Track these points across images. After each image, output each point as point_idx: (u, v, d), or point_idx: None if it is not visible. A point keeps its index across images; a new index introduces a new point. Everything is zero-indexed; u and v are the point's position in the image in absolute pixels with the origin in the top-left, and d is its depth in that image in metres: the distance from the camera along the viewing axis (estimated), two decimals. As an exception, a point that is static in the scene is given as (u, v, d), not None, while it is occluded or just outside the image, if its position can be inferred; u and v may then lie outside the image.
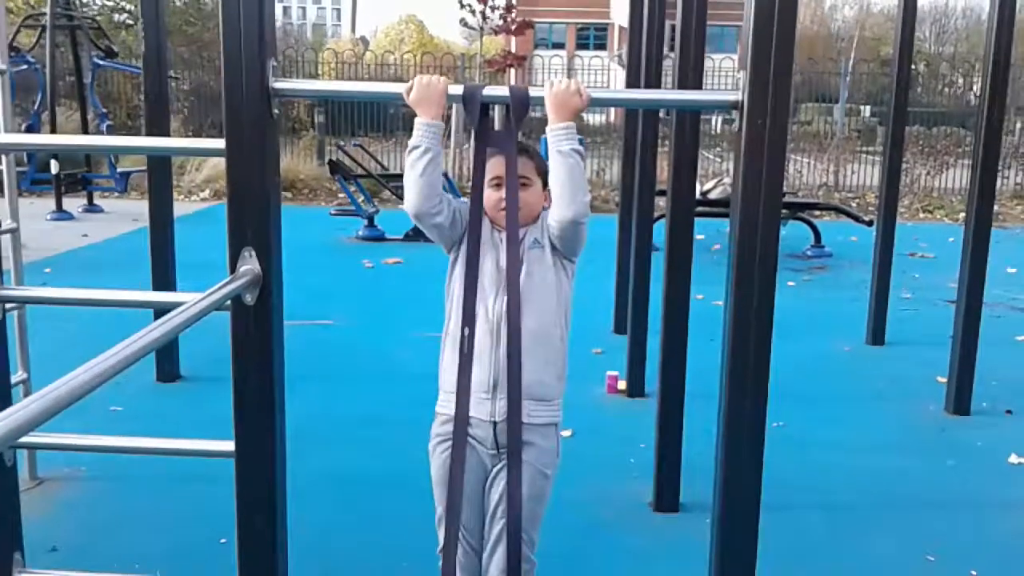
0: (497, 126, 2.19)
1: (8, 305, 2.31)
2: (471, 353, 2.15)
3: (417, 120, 2.11)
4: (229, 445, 2.13)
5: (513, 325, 2.12)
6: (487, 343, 2.17)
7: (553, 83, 2.09)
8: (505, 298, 2.14)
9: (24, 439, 2.33)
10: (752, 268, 1.99)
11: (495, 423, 2.20)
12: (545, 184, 2.25)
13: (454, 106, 1.93)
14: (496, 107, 2.16)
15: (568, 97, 2.08)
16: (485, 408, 2.20)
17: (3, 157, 3.39)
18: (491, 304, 2.18)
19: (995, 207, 14.15)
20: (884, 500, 3.64)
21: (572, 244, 2.22)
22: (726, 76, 17.07)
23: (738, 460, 2.16)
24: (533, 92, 2.08)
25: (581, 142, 2.16)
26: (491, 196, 2.20)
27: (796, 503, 3.60)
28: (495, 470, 2.24)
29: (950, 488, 3.79)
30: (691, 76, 3.12)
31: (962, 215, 6.88)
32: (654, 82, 4.59)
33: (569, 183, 2.10)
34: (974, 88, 21.88)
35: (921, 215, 13.27)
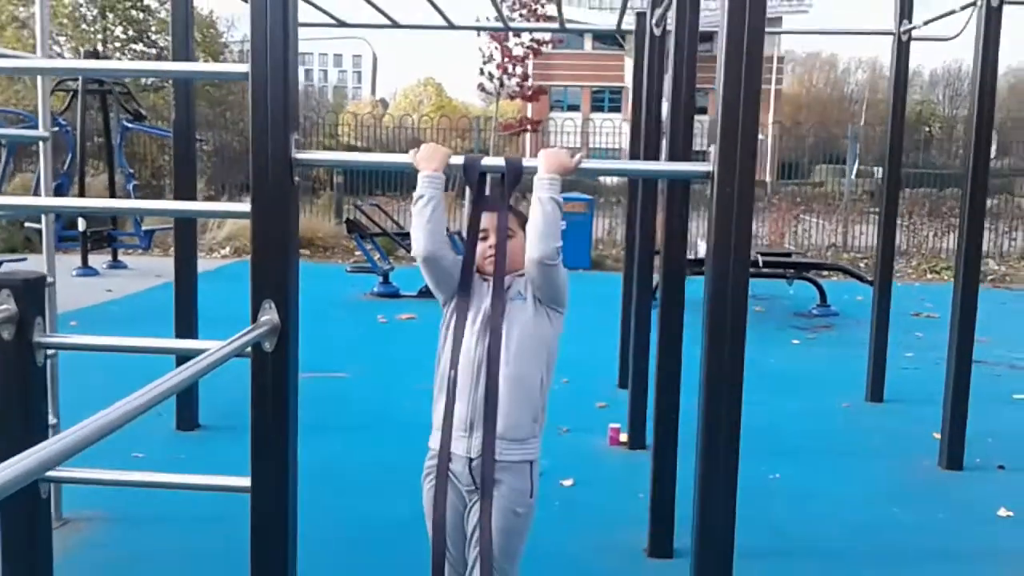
0: (490, 190, 2.42)
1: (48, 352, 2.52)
2: (454, 392, 2.35)
3: (420, 174, 2.35)
4: (245, 481, 2.32)
5: (492, 368, 2.32)
6: (467, 383, 2.37)
7: (543, 148, 2.34)
8: (486, 342, 2.34)
9: (57, 474, 2.55)
10: (724, 322, 2.19)
11: (470, 459, 2.38)
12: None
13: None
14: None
15: (560, 155, 2.33)
16: (463, 445, 2.38)
17: (44, 217, 3.65)
18: (473, 347, 2.38)
19: (1002, 268, 14.18)
20: (875, 550, 3.76)
21: (549, 291, 2.39)
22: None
23: (713, 503, 2.33)
24: (527, 162, 2.32)
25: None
26: (479, 247, 2.42)
27: (789, 550, 3.74)
28: (471, 504, 2.41)
29: (939, 539, 3.90)
30: (680, 146, 3.35)
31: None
32: (654, 146, 4.83)
33: (542, 226, 2.30)
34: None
35: (928, 276, 13.41)
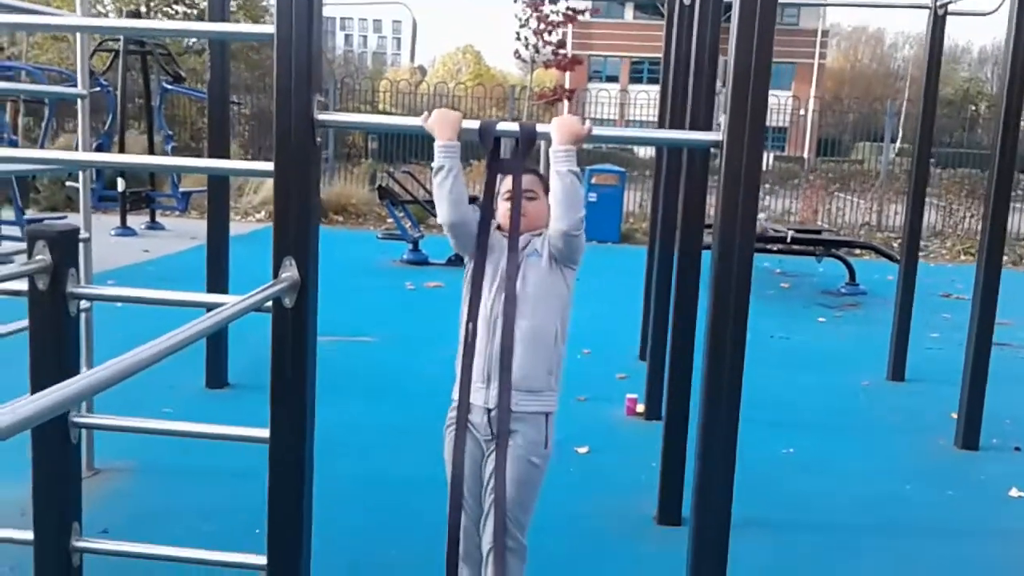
0: (507, 154, 2.49)
1: (82, 304, 2.63)
2: (473, 345, 2.44)
3: (436, 144, 2.43)
4: (264, 432, 2.42)
5: (507, 321, 2.40)
6: (484, 337, 2.46)
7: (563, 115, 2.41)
8: (502, 296, 2.42)
9: (88, 419, 2.67)
10: (728, 289, 2.24)
11: (488, 410, 2.47)
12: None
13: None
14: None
15: (572, 124, 2.38)
16: (481, 396, 2.48)
17: (81, 174, 3.77)
18: (490, 302, 2.47)
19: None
20: (882, 525, 3.81)
21: (569, 253, 2.49)
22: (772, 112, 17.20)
23: (712, 473, 2.39)
24: (540, 128, 2.38)
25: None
26: (502, 207, 2.52)
27: (796, 522, 3.79)
28: (488, 453, 2.51)
29: (947, 516, 3.94)
30: (702, 116, 3.38)
31: (1006, 258, 6.91)
32: (680, 117, 4.84)
33: (564, 200, 2.38)
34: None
35: (962, 257, 13.24)
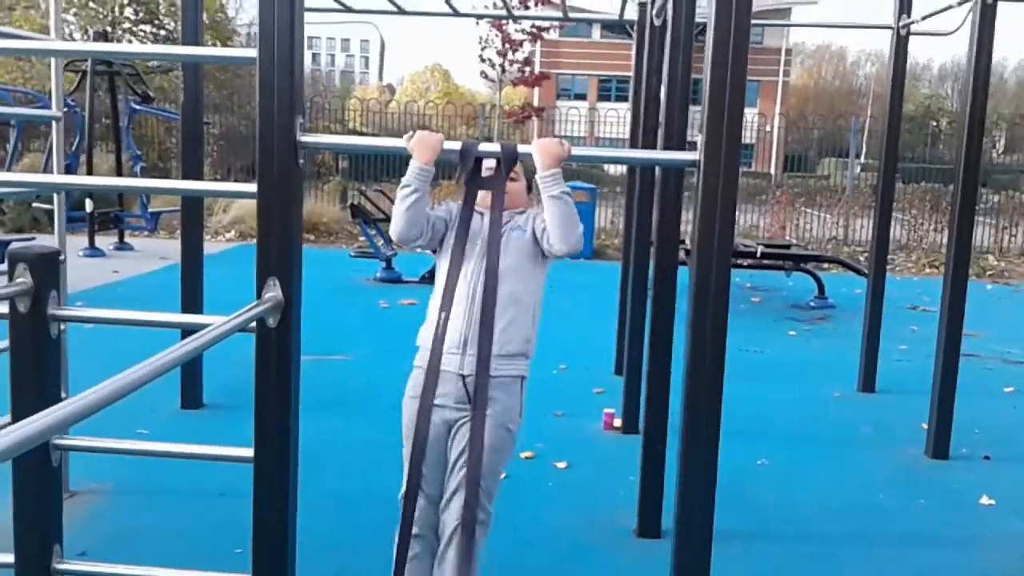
0: (486, 174, 2.54)
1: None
2: (444, 327, 2.50)
3: (412, 163, 2.48)
4: (249, 451, 2.43)
5: (489, 289, 2.46)
6: (463, 304, 2.51)
7: (540, 136, 2.47)
8: (483, 264, 2.49)
9: (69, 442, 2.66)
10: (706, 306, 2.29)
11: (463, 376, 2.50)
12: (529, 185, 2.68)
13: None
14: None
15: (552, 146, 2.44)
16: (455, 362, 2.52)
17: (56, 196, 3.75)
18: (471, 270, 2.53)
19: (1002, 264, 14.25)
20: (855, 534, 3.87)
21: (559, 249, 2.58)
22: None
23: (694, 486, 2.43)
24: (521, 148, 2.43)
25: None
26: (480, 194, 2.59)
27: (772, 533, 3.84)
28: (458, 423, 2.54)
29: (920, 525, 4.01)
30: (675, 135, 3.44)
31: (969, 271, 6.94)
32: (653, 136, 4.91)
33: (563, 222, 2.47)
34: (997, 146, 22.25)
35: (927, 270, 13.48)
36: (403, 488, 2.56)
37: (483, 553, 2.65)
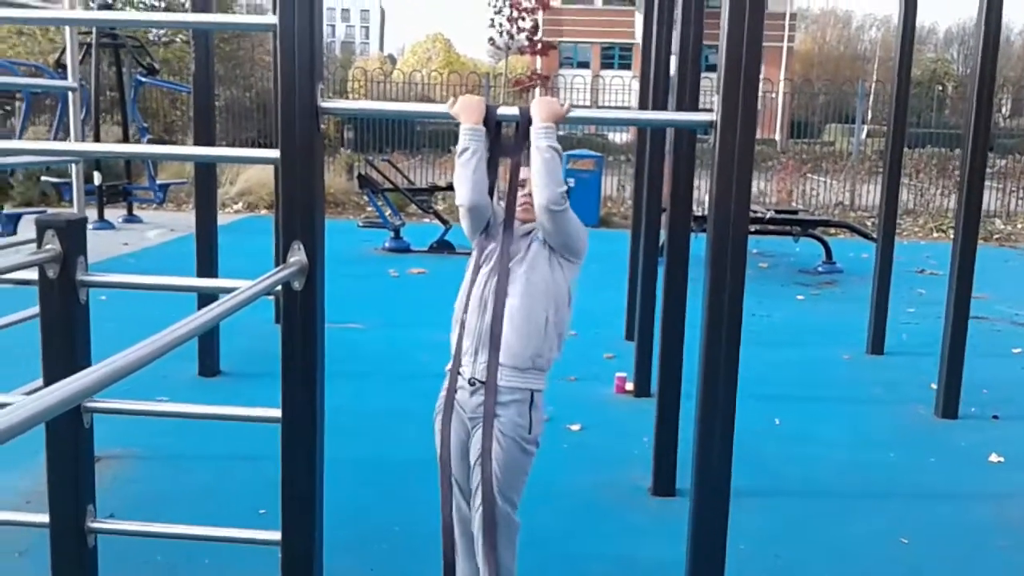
0: (507, 139, 2.58)
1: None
2: (464, 325, 2.55)
3: (462, 127, 2.50)
4: (277, 412, 2.49)
5: (499, 298, 2.49)
6: (476, 314, 2.55)
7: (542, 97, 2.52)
8: (496, 276, 2.51)
9: (101, 404, 2.72)
10: (724, 267, 2.33)
11: (473, 383, 2.54)
12: None
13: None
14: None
15: (552, 103, 2.49)
16: (468, 368, 2.56)
17: (73, 166, 3.79)
18: (484, 281, 2.56)
19: (1008, 227, 14.24)
20: (866, 490, 3.94)
21: (559, 238, 2.53)
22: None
23: (711, 445, 2.48)
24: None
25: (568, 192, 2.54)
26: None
27: (785, 490, 3.91)
28: (473, 429, 2.58)
29: (929, 481, 4.08)
30: (687, 96, 3.46)
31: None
32: (662, 102, 4.93)
33: (543, 173, 2.45)
34: (1002, 109, 22.11)
35: (935, 234, 13.49)
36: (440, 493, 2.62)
37: (516, 548, 2.65)
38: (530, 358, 2.54)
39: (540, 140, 2.46)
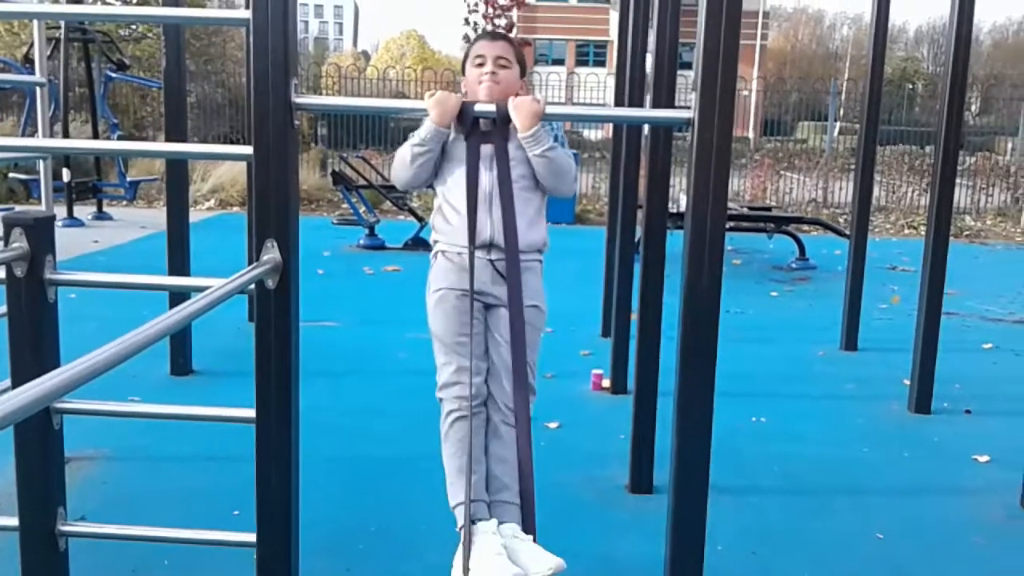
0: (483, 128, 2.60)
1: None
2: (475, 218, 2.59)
3: (428, 122, 2.51)
4: (250, 412, 2.45)
5: (505, 194, 2.57)
6: (484, 211, 2.59)
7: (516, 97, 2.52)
8: (493, 173, 2.57)
9: (71, 405, 2.67)
10: (702, 264, 2.33)
11: (492, 261, 2.62)
12: (523, 69, 2.74)
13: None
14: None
15: (528, 105, 2.50)
16: (482, 253, 2.62)
17: (41, 163, 3.72)
18: (484, 180, 2.59)
19: (978, 224, 14.45)
20: (842, 485, 3.96)
21: (551, 181, 2.66)
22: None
23: (689, 442, 2.48)
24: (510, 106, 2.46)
25: (557, 138, 2.59)
26: (472, 72, 2.67)
27: (761, 487, 3.93)
28: (495, 305, 2.67)
29: (904, 476, 4.11)
30: (664, 94, 3.46)
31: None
32: (638, 100, 4.92)
33: (553, 177, 2.59)
34: (972, 108, 22.37)
35: (906, 231, 13.63)
36: (445, 377, 2.66)
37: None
38: (536, 243, 2.69)
39: (534, 148, 2.53)
